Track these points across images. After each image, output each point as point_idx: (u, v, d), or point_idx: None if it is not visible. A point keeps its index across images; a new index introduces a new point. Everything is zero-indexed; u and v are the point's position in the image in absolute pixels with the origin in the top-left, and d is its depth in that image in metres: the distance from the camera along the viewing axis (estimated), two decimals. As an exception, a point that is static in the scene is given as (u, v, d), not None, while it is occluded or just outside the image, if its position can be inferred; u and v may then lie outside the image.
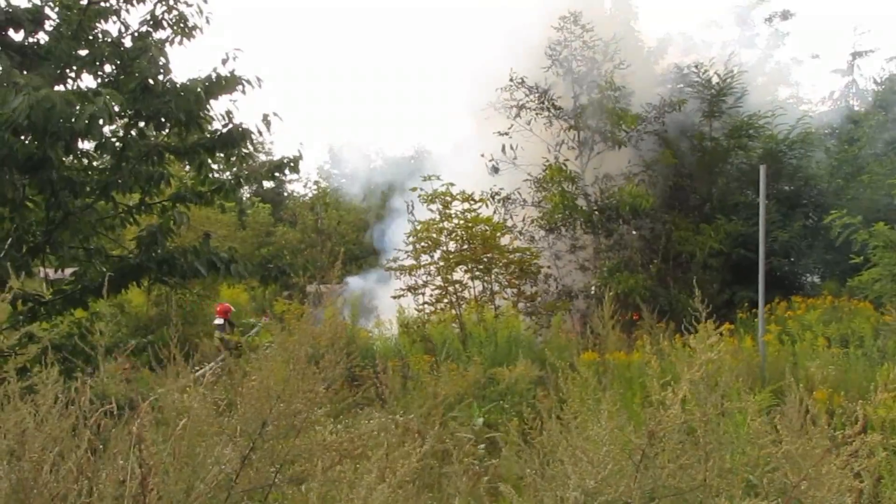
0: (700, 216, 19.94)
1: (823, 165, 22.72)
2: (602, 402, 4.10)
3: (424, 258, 18.51)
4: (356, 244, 35.96)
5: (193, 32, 9.06)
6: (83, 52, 8.41)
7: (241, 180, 9.49)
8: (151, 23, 8.84)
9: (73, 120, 6.64)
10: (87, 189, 8.41)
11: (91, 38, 8.52)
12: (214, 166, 9.48)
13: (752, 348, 11.62)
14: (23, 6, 8.13)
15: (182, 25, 8.94)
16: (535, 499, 3.91)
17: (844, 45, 44.52)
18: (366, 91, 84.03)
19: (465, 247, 18.04)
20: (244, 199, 39.45)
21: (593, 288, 19.07)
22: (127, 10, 8.83)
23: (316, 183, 46.01)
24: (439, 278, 18.21)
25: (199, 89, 8.27)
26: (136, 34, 8.80)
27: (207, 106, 8.61)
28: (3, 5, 8.00)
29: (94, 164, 9.18)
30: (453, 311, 17.00)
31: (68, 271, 9.11)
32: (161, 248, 8.57)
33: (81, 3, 8.43)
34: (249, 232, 35.14)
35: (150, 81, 7.94)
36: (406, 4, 63.76)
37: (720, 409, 3.92)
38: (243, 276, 9.14)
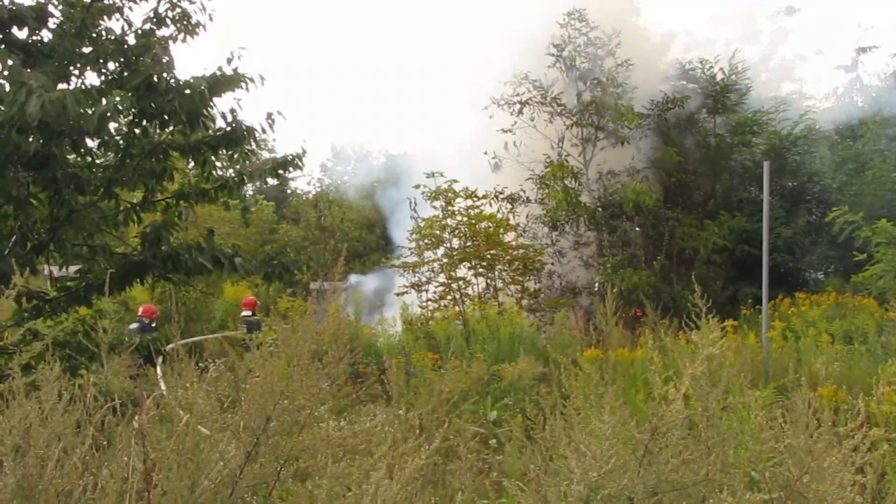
0: (704, 212, 19.91)
1: (827, 162, 22.68)
2: (604, 397, 4.11)
3: (428, 255, 18.53)
4: (360, 241, 35.96)
5: (197, 30, 9.07)
6: (87, 50, 8.42)
7: (245, 178, 9.51)
8: (155, 20, 8.85)
9: (82, 120, 6.65)
10: (92, 186, 8.42)
11: (95, 35, 8.53)
12: (218, 164, 9.49)
13: (756, 345, 11.61)
14: (27, 4, 8.15)
15: (185, 23, 8.95)
16: (539, 494, 3.92)
17: (849, 41, 44.45)
18: (367, 88, 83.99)
19: (469, 244, 18.06)
20: (248, 196, 39.50)
21: (597, 284, 19.07)
22: (130, 8, 8.85)
23: (319, 180, 46.11)
24: (443, 275, 18.23)
25: (202, 87, 8.28)
26: (139, 32, 8.81)
27: (211, 104, 8.62)
28: (6, 3, 8.01)
29: (98, 161, 9.20)
30: (457, 308, 17.01)
31: (73, 269, 9.13)
32: (165, 244, 8.59)
33: (85, 0, 8.45)
34: (253, 229, 35.22)
35: (154, 79, 7.94)
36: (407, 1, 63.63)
37: (723, 405, 3.92)
38: (247, 273, 9.16)
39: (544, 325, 17.43)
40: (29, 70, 6.73)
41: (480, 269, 18.14)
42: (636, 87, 19.79)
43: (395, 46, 72.79)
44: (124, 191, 9.10)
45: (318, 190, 45.40)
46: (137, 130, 8.55)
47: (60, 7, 8.44)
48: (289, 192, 46.84)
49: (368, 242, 36.55)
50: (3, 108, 6.66)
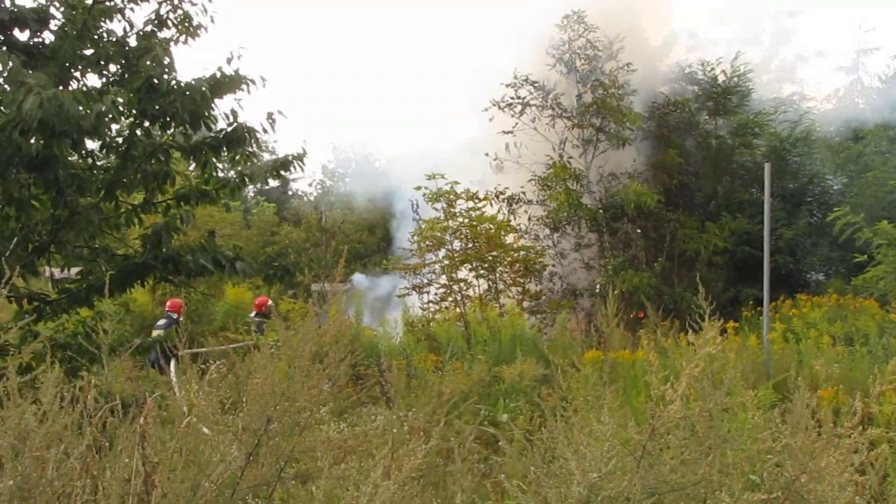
0: (705, 214, 19.92)
1: (827, 163, 22.68)
2: (604, 399, 4.11)
3: (429, 257, 18.53)
4: (361, 243, 35.97)
5: (198, 31, 9.08)
6: (88, 52, 8.42)
7: (246, 179, 9.51)
8: (156, 22, 8.85)
9: (80, 119, 6.65)
10: (93, 188, 8.43)
11: (96, 37, 8.53)
12: (220, 165, 9.49)
13: (757, 346, 11.62)
14: (28, 6, 8.15)
15: (187, 24, 8.95)
16: (539, 496, 3.92)
17: (850, 43, 44.45)
18: (367, 89, 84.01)
19: (470, 245, 18.05)
20: (249, 198, 39.50)
21: (598, 286, 19.07)
22: (132, 10, 8.85)
23: (321, 182, 46.10)
24: (444, 277, 18.23)
25: (204, 88, 8.29)
26: (140, 33, 8.82)
27: (212, 105, 8.63)
28: (7, 5, 8.01)
29: (100, 163, 9.20)
30: (458, 310, 17.01)
31: (73, 270, 9.13)
32: (167, 246, 8.59)
33: (86, 2, 8.44)
34: (254, 231, 35.22)
35: (156, 80, 7.95)
36: (407, 2, 63.68)
37: (722, 405, 3.92)
38: (248, 275, 9.16)
39: (545, 326, 17.44)
40: (30, 72, 6.73)
41: (482, 271, 18.14)
42: (636, 91, 19.80)
43: (396, 48, 72.73)
44: (125, 192, 9.10)
45: (319, 191, 45.42)
46: (139, 132, 8.56)
47: (62, 9, 8.44)
48: (290, 193, 46.87)
49: (369, 244, 36.54)
50: (3, 110, 6.67)
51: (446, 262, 18.05)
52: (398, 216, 30.90)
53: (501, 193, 19.93)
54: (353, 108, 79.42)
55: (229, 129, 8.92)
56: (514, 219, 19.98)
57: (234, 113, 8.92)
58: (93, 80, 8.66)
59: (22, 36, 8.18)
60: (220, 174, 9.56)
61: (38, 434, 3.51)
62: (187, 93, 8.23)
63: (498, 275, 18.53)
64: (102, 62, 8.51)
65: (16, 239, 8.27)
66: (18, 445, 3.48)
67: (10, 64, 6.59)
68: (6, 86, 6.89)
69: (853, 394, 3.75)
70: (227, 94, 8.70)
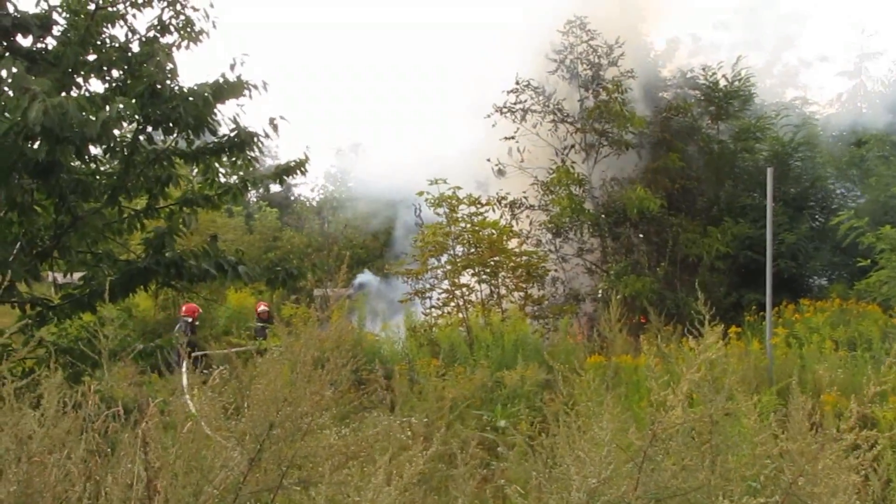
0: (707, 219, 19.92)
1: (830, 167, 22.67)
2: (604, 403, 4.11)
3: (432, 262, 18.54)
4: (363, 248, 35.97)
5: (200, 37, 9.10)
6: (91, 58, 8.44)
7: (249, 184, 9.52)
8: (159, 28, 8.87)
9: (84, 126, 6.66)
10: (96, 193, 8.44)
11: (99, 43, 8.55)
12: (222, 171, 9.50)
13: (760, 351, 11.61)
14: (31, 12, 8.17)
15: (189, 30, 8.97)
16: (541, 501, 3.93)
17: (853, 47, 44.45)
18: (369, 95, 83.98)
19: (472, 250, 18.05)
20: (251, 203, 39.53)
21: (600, 291, 19.07)
22: (134, 16, 8.87)
23: (323, 187, 46.13)
24: (446, 282, 18.23)
25: (206, 94, 8.30)
26: (143, 39, 8.84)
27: (215, 110, 8.64)
28: (10, 11, 8.03)
29: (103, 168, 9.21)
30: (460, 315, 17.01)
31: (76, 275, 9.14)
32: (169, 250, 8.59)
33: (89, 8, 8.46)
34: (257, 236, 35.22)
35: (158, 86, 7.96)
36: (408, 10, 63.72)
37: (724, 411, 3.93)
38: (251, 279, 9.16)
39: (548, 331, 17.43)
40: (34, 78, 6.74)
41: (484, 276, 18.14)
42: (638, 100, 19.83)
43: (397, 55, 72.80)
44: (128, 198, 9.11)
45: (322, 196, 45.45)
46: (142, 137, 8.57)
47: (65, 15, 8.46)
48: (292, 198, 46.88)
49: (372, 249, 36.53)
50: (7, 116, 6.68)
51: (449, 267, 18.04)
52: (400, 222, 30.93)
53: (504, 198, 19.94)
54: (353, 112, 79.44)
55: (232, 134, 8.93)
56: (517, 224, 19.98)
57: (236, 118, 8.94)
58: (95, 86, 8.68)
59: (25, 42, 8.21)
60: (223, 179, 9.58)
61: (39, 439, 3.52)
62: (190, 98, 8.24)
63: (500, 280, 18.53)
64: (105, 68, 8.53)
65: (19, 244, 8.29)
66: (19, 450, 3.49)
67: (14, 70, 6.59)
68: (9, 91, 6.90)
69: (856, 399, 3.75)
70: (229, 99, 8.71)
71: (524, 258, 18.94)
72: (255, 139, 9.01)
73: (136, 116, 7.93)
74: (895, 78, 35.97)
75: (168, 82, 8.16)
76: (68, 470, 3.55)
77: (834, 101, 39.31)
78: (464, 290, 17.85)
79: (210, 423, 4.01)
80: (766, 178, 11.94)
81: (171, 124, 8.37)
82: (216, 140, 8.99)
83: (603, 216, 19.47)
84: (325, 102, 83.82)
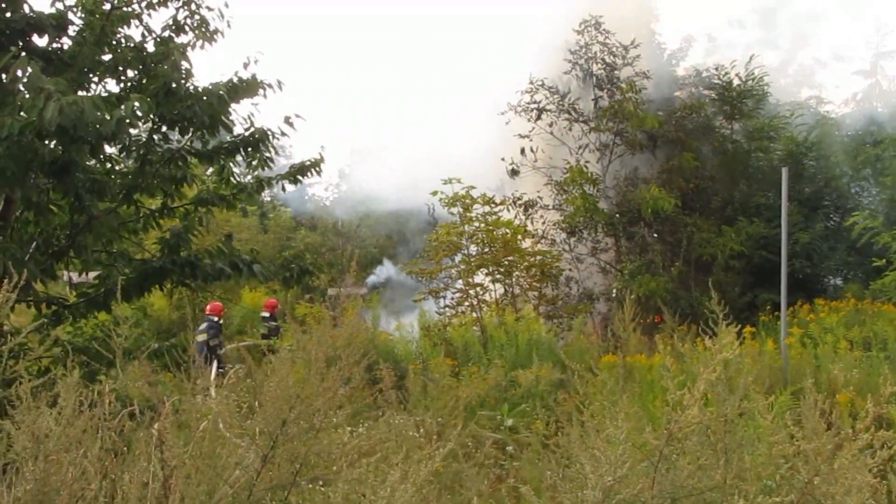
0: (721, 218, 19.85)
1: (845, 167, 22.56)
2: (619, 403, 4.11)
3: (445, 261, 18.54)
4: (377, 247, 36.00)
5: (215, 37, 9.11)
6: (106, 57, 8.47)
7: (263, 183, 9.54)
8: (174, 27, 8.89)
9: (99, 125, 6.68)
10: (112, 193, 8.47)
11: (114, 43, 8.58)
12: (237, 170, 9.52)
13: (775, 351, 11.58)
14: (46, 12, 8.19)
15: (204, 30, 8.99)
16: (555, 500, 3.92)
17: (868, 46, 44.24)
18: (384, 94, 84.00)
19: (486, 250, 18.05)
20: (266, 201, 39.59)
21: (614, 290, 19.04)
22: (149, 15, 8.89)
23: (337, 186, 46.19)
24: (460, 281, 18.23)
25: (221, 93, 8.31)
26: (158, 39, 8.86)
27: (230, 109, 8.65)
28: (26, 11, 8.05)
29: (118, 167, 9.24)
30: (474, 315, 17.01)
31: (91, 275, 9.17)
32: (185, 249, 8.61)
33: (105, 8, 8.49)
34: (271, 235, 35.24)
35: (174, 85, 7.97)
36: (425, 10, 63.76)
37: (739, 410, 3.92)
38: (266, 278, 9.17)
39: (562, 331, 17.41)
40: (49, 77, 6.76)
41: (498, 276, 18.14)
42: (652, 100, 19.79)
43: (414, 51, 72.77)
44: (144, 197, 9.14)
45: (336, 196, 45.53)
46: (157, 137, 8.59)
47: (80, 15, 8.49)
48: (306, 197, 46.91)
49: (386, 248, 36.55)
50: (23, 115, 6.70)
51: (463, 266, 18.04)
52: (414, 221, 30.96)
53: (518, 198, 19.93)
54: (370, 112, 79.42)
55: (246, 133, 8.95)
56: (531, 223, 19.96)
57: (250, 117, 8.96)
58: (111, 86, 8.71)
59: (40, 42, 8.23)
60: (238, 179, 9.60)
61: (56, 437, 3.53)
62: (205, 97, 8.26)
63: (514, 279, 18.53)
64: (120, 68, 8.56)
65: (35, 243, 8.32)
66: (36, 449, 3.51)
67: (30, 70, 6.61)
68: (25, 91, 6.92)
69: (872, 399, 3.74)
70: (244, 98, 8.73)
71: (538, 258, 18.92)
72: (271, 138, 9.02)
73: (152, 116, 7.95)
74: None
75: (183, 81, 8.18)
76: (84, 468, 3.56)
77: (849, 100, 39.19)
78: (478, 289, 17.85)
79: (225, 421, 4.02)
80: (781, 178, 11.90)
81: (186, 123, 8.39)
82: (231, 139, 9.02)
83: (617, 216, 19.43)
84: (337, 101, 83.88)
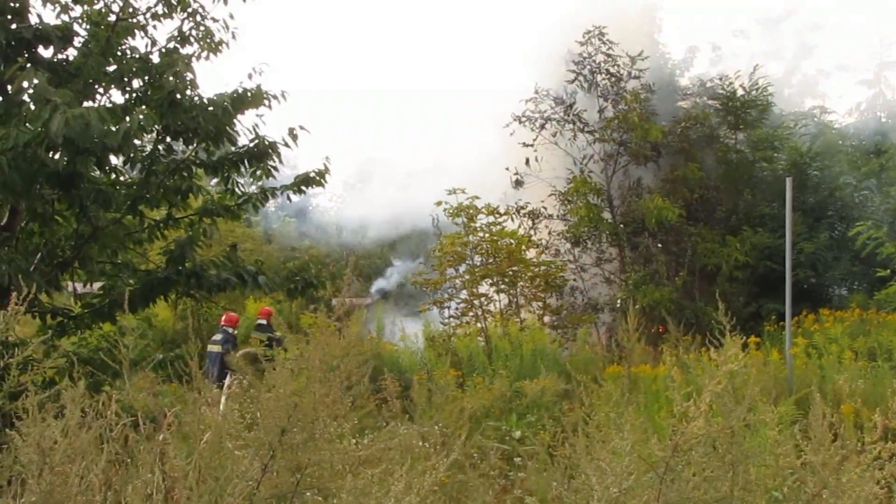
0: (726, 228, 19.83)
1: (848, 176, 22.54)
2: (624, 414, 4.10)
3: (450, 272, 18.53)
4: (381, 258, 36.00)
5: (220, 48, 9.14)
6: (111, 68, 8.49)
7: (268, 194, 9.55)
8: (179, 38, 8.93)
9: (105, 137, 6.70)
10: (117, 203, 8.48)
11: (119, 54, 8.61)
12: (241, 181, 9.54)
13: (780, 361, 11.55)
14: (52, 23, 8.22)
15: (209, 41, 9.02)
16: (560, 511, 3.92)
17: (872, 56, 44.25)
18: (388, 105, 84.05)
19: (491, 260, 18.04)
20: (270, 212, 39.63)
21: (619, 301, 19.02)
22: (154, 27, 8.93)
23: (341, 197, 46.24)
24: (465, 292, 18.22)
25: (226, 104, 8.33)
26: (163, 50, 8.89)
27: (235, 120, 8.67)
28: (33, 23, 8.08)
29: (123, 178, 9.26)
30: (479, 325, 17.00)
31: (96, 285, 9.19)
32: (190, 260, 8.62)
33: (110, 19, 8.52)
34: (275, 246, 35.25)
35: (178, 96, 8.00)
36: (427, 19, 63.76)
37: (745, 422, 3.91)
38: (271, 289, 9.18)
39: (567, 341, 17.39)
40: (55, 88, 6.78)
41: (502, 286, 18.13)
42: (656, 113, 19.78)
43: (416, 61, 72.82)
44: (148, 208, 9.15)
45: (340, 206, 45.59)
46: (161, 147, 8.61)
47: (86, 26, 8.52)
48: (310, 208, 46.96)
49: (389, 259, 36.56)
50: (28, 126, 6.72)
51: (467, 276, 18.04)
52: (417, 232, 30.95)
53: (522, 208, 19.93)
54: (373, 123, 79.40)
55: (251, 144, 8.97)
56: (535, 234, 19.97)
57: (255, 128, 8.97)
58: (116, 97, 8.74)
59: (46, 53, 8.26)
60: (243, 189, 9.61)
61: (61, 449, 3.53)
62: (210, 108, 8.28)
63: (519, 289, 18.52)
64: (125, 78, 8.58)
65: (40, 254, 8.34)
66: (41, 461, 3.51)
67: (36, 81, 6.63)
68: (31, 103, 6.94)
69: (876, 409, 3.73)
70: (249, 109, 8.75)
71: (542, 268, 18.92)
72: (274, 149, 9.04)
73: (156, 126, 7.97)
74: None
75: (188, 92, 8.20)
76: (89, 480, 3.56)
77: (853, 110, 39.19)
78: (482, 299, 17.84)
79: (226, 432, 4.02)
80: (785, 188, 11.90)
81: (190, 134, 8.41)
82: (236, 150, 9.03)
83: (621, 226, 19.43)
84: (343, 111, 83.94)
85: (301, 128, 9.19)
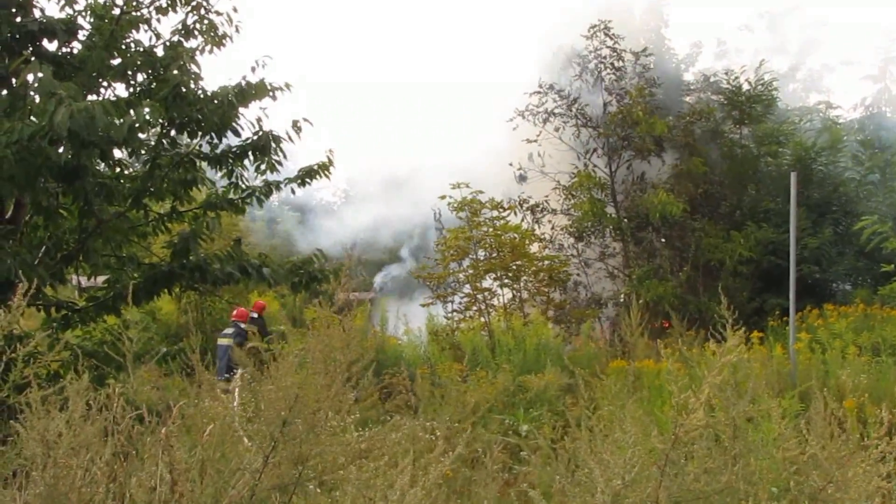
0: (730, 223, 19.80)
1: (853, 172, 22.48)
2: (626, 407, 4.10)
3: (453, 266, 18.52)
4: (385, 252, 36.02)
5: (223, 41, 9.14)
6: (116, 62, 8.50)
7: (272, 187, 9.55)
8: (182, 32, 8.93)
9: (110, 130, 6.71)
10: (121, 197, 8.49)
11: (123, 47, 8.61)
12: (245, 174, 9.54)
13: (783, 356, 11.53)
14: (57, 17, 8.22)
15: (212, 34, 9.02)
16: (564, 505, 3.92)
17: (877, 51, 44.05)
18: (393, 99, 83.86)
19: (495, 255, 18.04)
20: (274, 206, 39.65)
21: (622, 295, 19.02)
22: (158, 20, 8.93)
23: (345, 191, 46.25)
24: (468, 286, 18.22)
25: (230, 97, 8.34)
26: (167, 43, 8.89)
27: (239, 113, 8.68)
28: (37, 16, 8.09)
29: (127, 171, 9.27)
30: (482, 319, 17.00)
31: (100, 279, 9.20)
32: (193, 254, 8.63)
33: (114, 13, 8.52)
34: (279, 240, 35.28)
35: (182, 90, 8.00)
36: (431, 12, 63.62)
37: (746, 415, 3.91)
38: (275, 282, 9.19)
39: (570, 336, 17.39)
40: (59, 82, 6.79)
41: (506, 280, 18.13)
42: (660, 108, 19.76)
43: (420, 57, 72.70)
44: (153, 201, 9.16)
45: (343, 201, 45.58)
46: (166, 141, 8.62)
47: (90, 20, 8.52)
48: (314, 203, 46.96)
49: (394, 251, 36.57)
50: (33, 120, 6.73)
51: (471, 271, 18.04)
52: (421, 226, 30.99)
53: (525, 202, 19.93)
54: (377, 118, 79.24)
55: (255, 137, 8.98)
56: (539, 228, 19.96)
57: (259, 121, 8.98)
58: (120, 90, 8.74)
59: (51, 46, 8.26)
60: (246, 183, 9.62)
61: (65, 442, 3.54)
62: (214, 101, 8.29)
63: (522, 284, 18.52)
64: (130, 72, 8.59)
65: (44, 247, 8.35)
66: (46, 454, 3.52)
67: (40, 74, 6.64)
68: (35, 96, 6.95)
69: (880, 404, 3.72)
70: (253, 102, 8.76)
71: (546, 262, 18.92)
72: (278, 142, 9.05)
73: (161, 119, 7.98)
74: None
75: (192, 86, 8.21)
76: (93, 473, 3.57)
77: (858, 105, 39.09)
78: (486, 294, 17.85)
79: (230, 424, 4.03)
80: (790, 183, 11.88)
81: (195, 127, 8.42)
82: (240, 143, 9.04)
83: (625, 220, 19.42)
84: (346, 105, 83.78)
85: (305, 120, 9.20)
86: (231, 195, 9.46)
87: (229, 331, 15.77)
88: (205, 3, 8.95)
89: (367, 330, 16.12)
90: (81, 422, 3.67)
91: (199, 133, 8.56)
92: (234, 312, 16.61)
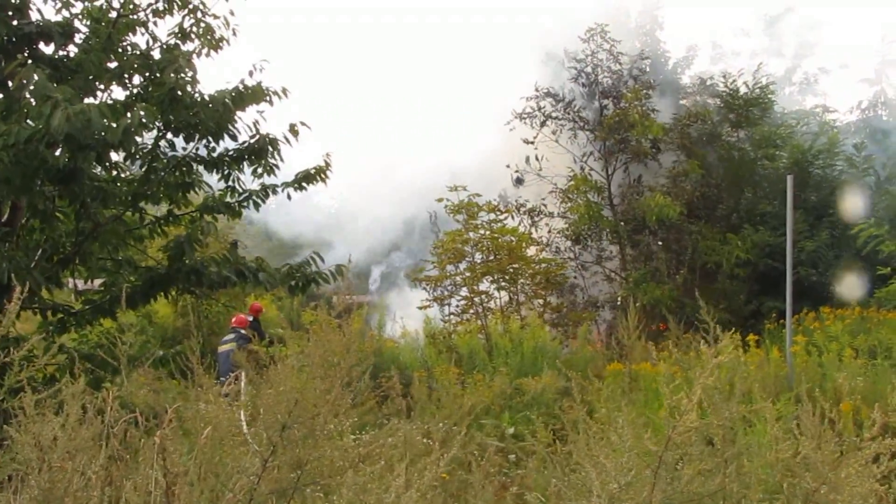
0: (727, 226, 19.79)
1: (849, 175, 22.48)
2: (622, 411, 4.10)
3: (450, 269, 18.53)
4: (381, 254, 36.05)
5: (221, 44, 9.14)
6: (112, 65, 8.49)
7: (269, 191, 9.55)
8: (179, 35, 8.93)
9: (106, 133, 6.71)
10: (117, 200, 8.49)
11: (120, 50, 8.61)
12: (241, 177, 9.54)
13: (780, 359, 11.54)
14: (53, 20, 8.23)
15: (209, 37, 9.02)
16: (560, 508, 3.92)
17: (873, 55, 44.10)
18: (389, 102, 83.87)
19: (492, 258, 18.05)
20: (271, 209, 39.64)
21: (619, 298, 19.02)
22: (155, 23, 8.93)
23: (341, 194, 46.23)
24: (465, 289, 18.23)
25: (227, 100, 8.34)
26: (164, 46, 8.89)
27: (235, 117, 8.68)
28: (34, 19, 8.09)
29: (124, 174, 9.27)
30: (479, 322, 17.00)
31: (97, 282, 9.19)
32: (189, 257, 8.63)
33: (111, 16, 8.52)
34: (276, 243, 35.28)
35: (179, 93, 8.00)
36: (429, 17, 63.68)
37: (740, 416, 3.91)
38: (271, 286, 9.18)
39: (567, 339, 17.39)
40: (56, 85, 6.79)
41: (503, 283, 18.14)
42: (657, 110, 19.77)
43: (417, 59, 72.78)
44: (149, 204, 9.16)
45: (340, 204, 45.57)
46: (162, 144, 8.62)
47: (86, 23, 8.52)
48: (311, 206, 46.96)
49: (391, 251, 36.61)
50: (29, 123, 6.73)
51: (468, 274, 18.04)
52: (418, 229, 31.01)
53: (522, 206, 19.93)
54: (374, 121, 79.21)
55: (252, 140, 8.98)
56: (536, 231, 19.98)
57: (256, 124, 8.98)
58: (117, 93, 8.75)
59: (47, 49, 8.26)
60: (243, 186, 9.62)
61: (61, 445, 3.54)
62: (210, 105, 8.29)
63: (519, 287, 18.53)
64: (126, 75, 8.59)
65: (41, 250, 8.35)
66: (41, 458, 3.51)
67: (37, 77, 6.64)
68: (31, 99, 6.95)
69: (877, 407, 3.72)
70: (249, 105, 8.76)
71: (543, 265, 18.93)
72: (275, 145, 9.05)
73: (157, 123, 7.98)
74: (917, 84, 35.78)
75: (189, 89, 8.21)
76: (88, 476, 3.57)
77: (854, 108, 39.12)
78: (483, 297, 17.85)
79: (227, 428, 4.03)
80: (786, 186, 11.89)
81: (191, 131, 8.42)
82: (236, 147, 9.04)
83: (622, 223, 19.42)
84: (343, 108, 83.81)
85: (302, 124, 9.20)
86: (228, 199, 9.46)
87: (230, 336, 15.72)
88: (201, 7, 8.96)
89: (364, 333, 16.12)
90: (77, 425, 3.67)
91: (196, 136, 8.56)
92: (234, 319, 16.57)
